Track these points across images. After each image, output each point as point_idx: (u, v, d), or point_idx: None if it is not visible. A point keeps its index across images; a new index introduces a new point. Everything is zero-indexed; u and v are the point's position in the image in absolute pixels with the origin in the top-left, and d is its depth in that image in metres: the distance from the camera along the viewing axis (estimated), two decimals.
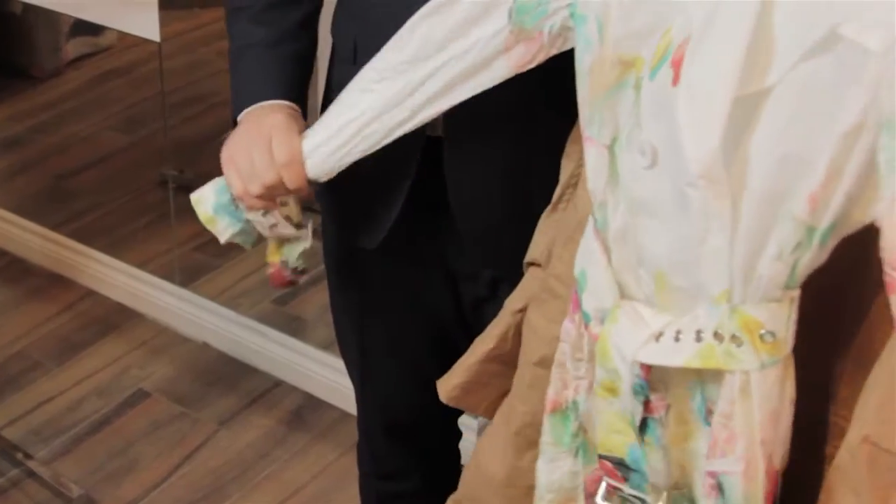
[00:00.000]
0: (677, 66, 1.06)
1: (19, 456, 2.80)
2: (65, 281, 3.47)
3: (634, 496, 1.25)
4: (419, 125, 1.41)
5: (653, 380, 1.18)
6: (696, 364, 1.12)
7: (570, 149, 1.42)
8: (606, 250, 1.22)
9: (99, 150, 3.93)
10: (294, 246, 1.59)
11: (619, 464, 1.23)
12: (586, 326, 1.25)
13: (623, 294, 1.21)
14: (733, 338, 1.10)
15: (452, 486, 1.51)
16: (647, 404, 1.20)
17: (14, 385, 3.05)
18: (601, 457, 1.25)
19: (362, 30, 1.55)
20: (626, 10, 1.15)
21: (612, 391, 1.20)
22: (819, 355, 1.14)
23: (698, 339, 1.12)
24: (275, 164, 1.45)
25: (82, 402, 3.00)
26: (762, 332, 1.09)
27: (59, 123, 4.07)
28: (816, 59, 0.98)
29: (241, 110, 1.56)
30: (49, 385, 3.06)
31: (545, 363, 1.36)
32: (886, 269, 1.01)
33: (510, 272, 1.55)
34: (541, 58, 1.34)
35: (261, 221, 1.54)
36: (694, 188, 1.06)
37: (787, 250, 1.06)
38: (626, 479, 1.25)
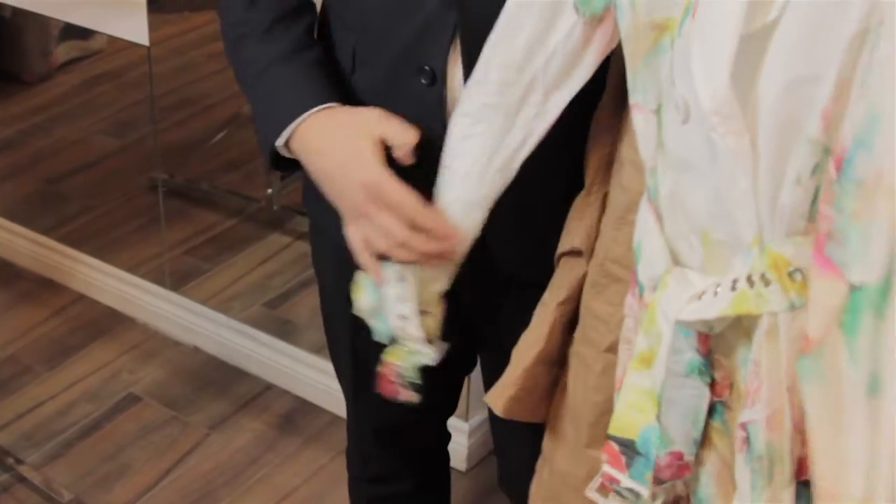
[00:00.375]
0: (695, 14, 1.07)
1: (10, 461, 2.79)
2: (55, 285, 3.46)
3: (630, 489, 1.24)
4: (537, 142, 1.37)
5: (716, 355, 1.17)
6: (728, 312, 1.11)
7: (595, 130, 1.42)
8: (659, 218, 1.21)
9: (89, 154, 3.93)
10: (416, 356, 1.50)
11: (627, 446, 1.22)
12: (640, 297, 1.25)
13: (676, 261, 1.20)
14: (762, 278, 1.09)
15: (443, 488, 1.51)
16: (713, 387, 1.19)
17: (4, 389, 3.04)
18: (609, 437, 1.24)
19: (360, 40, 1.50)
20: None
21: (647, 362, 1.19)
22: None
23: (733, 287, 1.11)
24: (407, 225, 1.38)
25: (73, 407, 2.99)
26: (790, 269, 1.07)
27: (49, 127, 4.07)
28: None
29: (280, 132, 1.46)
30: (39, 389, 3.05)
31: (616, 348, 1.35)
32: (830, 159, 1.03)
33: (525, 269, 1.56)
34: (617, 38, 1.29)
35: (393, 306, 1.46)
36: (714, 132, 1.06)
37: (806, 174, 1.05)
38: (627, 467, 1.23)
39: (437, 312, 1.48)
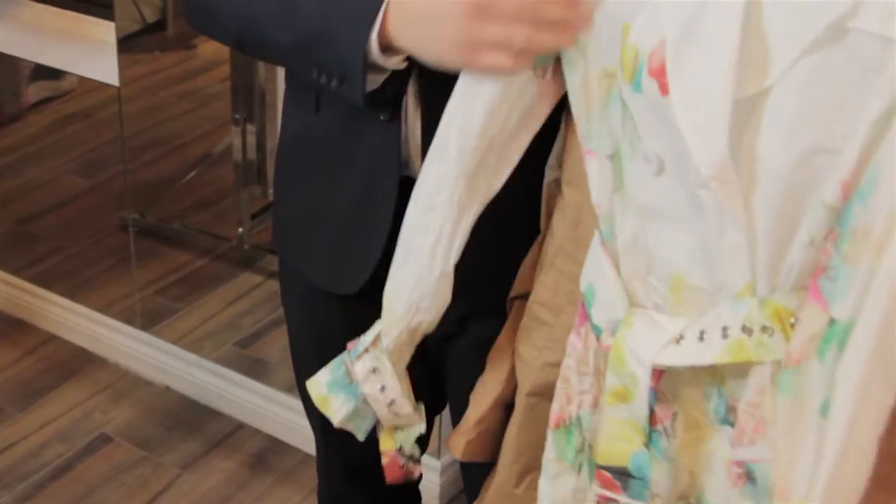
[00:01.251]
0: (660, 75, 1.08)
1: None
2: (26, 325, 3.46)
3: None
4: (492, 196, 1.36)
5: (662, 389, 1.19)
6: (726, 359, 1.13)
7: (549, 176, 1.44)
8: (615, 261, 1.23)
9: (60, 194, 3.92)
10: (409, 431, 1.52)
11: (621, 473, 1.24)
12: (597, 339, 1.26)
13: (632, 303, 1.22)
14: (764, 329, 1.11)
15: None
16: (651, 416, 1.21)
17: None
18: (600, 468, 1.26)
19: None
20: (595, 24, 1.17)
21: (623, 397, 1.21)
22: None
23: (725, 335, 1.13)
24: None
25: (44, 448, 2.99)
26: (793, 320, 1.10)
27: (19, 168, 4.06)
28: (821, 53, 1.00)
29: (371, 21, 1.29)
30: (10, 431, 3.05)
31: (537, 391, 1.38)
32: None
33: (481, 308, 1.56)
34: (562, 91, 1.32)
35: (377, 398, 1.45)
36: (706, 189, 1.08)
37: (820, 237, 1.07)
38: (624, 489, 1.25)
39: (407, 380, 1.48)
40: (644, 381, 1.18)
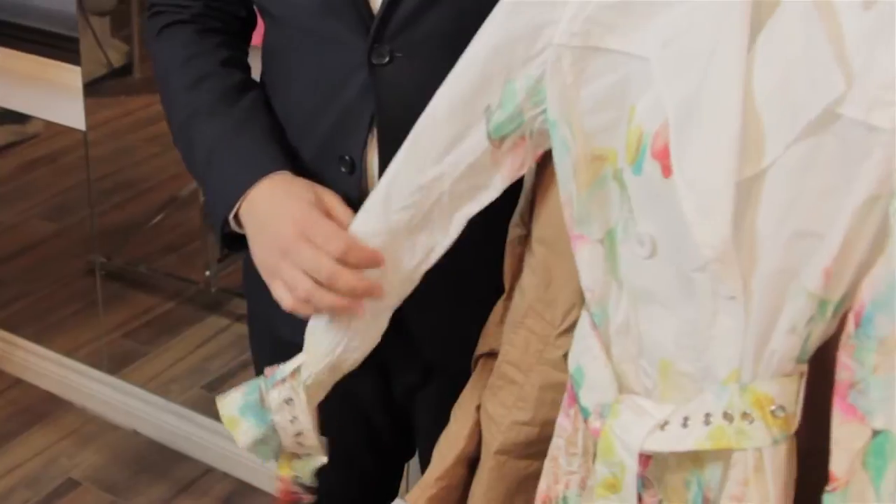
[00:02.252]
0: (663, 157, 1.08)
1: None
2: None
3: None
4: (440, 255, 1.37)
5: (648, 475, 1.19)
6: (707, 446, 1.13)
7: (512, 234, 1.43)
8: (606, 345, 1.23)
9: (26, 238, 3.92)
10: (309, 462, 1.50)
11: None
12: (585, 421, 1.25)
13: (622, 387, 1.22)
14: (744, 415, 1.11)
15: None
16: (638, 502, 1.20)
17: None
18: None
19: (285, 132, 1.53)
20: (589, 106, 1.18)
21: (613, 487, 1.21)
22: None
23: (707, 422, 1.12)
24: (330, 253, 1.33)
25: (11, 493, 2.97)
26: (773, 407, 1.10)
27: None
28: (814, 138, 1.01)
29: (231, 202, 1.43)
30: None
31: (505, 450, 1.38)
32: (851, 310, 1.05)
33: (446, 359, 1.56)
34: (530, 160, 1.32)
35: (286, 428, 1.44)
36: (702, 272, 1.08)
37: (801, 324, 1.07)
38: None
39: (317, 413, 1.47)
40: (632, 469, 1.18)
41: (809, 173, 1.02)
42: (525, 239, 1.41)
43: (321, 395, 1.44)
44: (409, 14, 1.38)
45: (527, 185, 1.39)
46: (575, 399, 1.27)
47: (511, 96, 1.26)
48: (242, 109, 1.51)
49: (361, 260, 1.33)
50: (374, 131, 1.44)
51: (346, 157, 1.46)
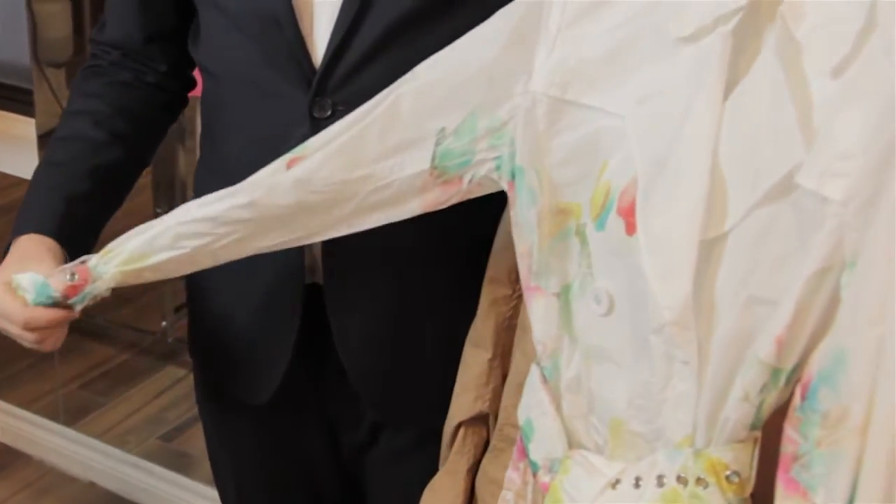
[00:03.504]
0: (628, 214, 1.09)
1: None
2: None
3: None
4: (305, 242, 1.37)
5: None
6: None
7: (495, 293, 1.42)
8: (556, 399, 1.23)
9: None
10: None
11: None
12: (534, 475, 1.25)
13: (572, 442, 1.21)
14: (699, 480, 1.10)
15: None
16: None
17: None
18: None
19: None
20: (559, 158, 1.18)
21: None
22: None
23: (660, 483, 1.12)
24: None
25: None
26: (728, 473, 1.09)
27: None
28: (773, 205, 1.02)
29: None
30: None
31: None
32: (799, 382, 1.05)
33: (395, 417, 1.56)
34: (454, 201, 1.32)
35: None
36: (658, 335, 1.08)
37: (754, 392, 1.07)
38: None
39: None
40: None
41: (768, 240, 1.03)
42: (512, 298, 1.40)
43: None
44: (351, 67, 1.39)
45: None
46: (524, 453, 1.27)
47: (470, 129, 1.26)
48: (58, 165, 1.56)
49: (42, 325, 1.36)
50: None
51: None
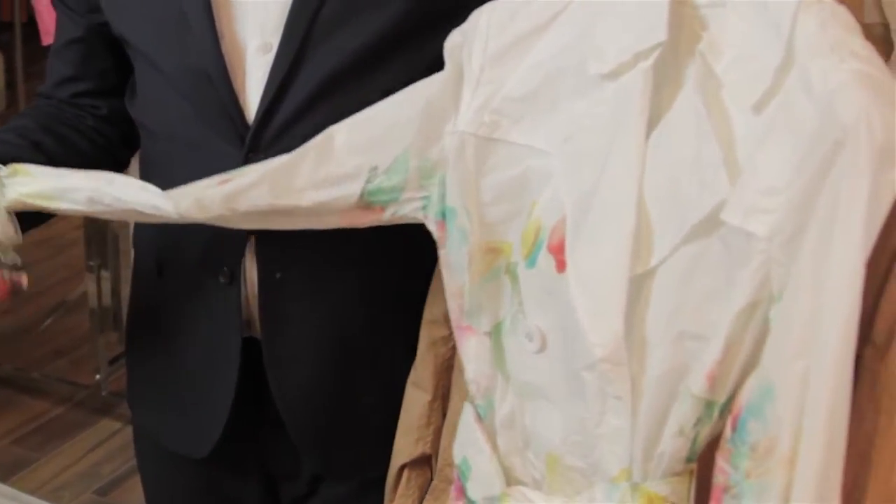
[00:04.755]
0: (558, 252, 1.11)
1: None
2: None
3: None
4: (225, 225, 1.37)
5: None
6: None
7: (434, 334, 1.42)
8: (491, 437, 1.23)
9: None
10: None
11: None
12: None
13: (509, 478, 1.22)
14: None
15: None
16: None
17: None
18: None
19: (163, 245, 1.53)
20: (489, 197, 1.19)
21: None
22: None
23: None
24: None
25: None
26: None
27: None
28: (701, 241, 1.04)
29: None
30: None
31: None
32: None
33: (336, 469, 1.55)
34: (372, 224, 1.32)
35: None
36: (591, 371, 1.09)
37: (689, 426, 1.08)
38: None
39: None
40: None
41: (696, 276, 1.05)
42: (450, 339, 1.39)
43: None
44: (284, 123, 1.40)
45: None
46: (462, 491, 1.28)
47: (402, 168, 1.27)
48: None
49: None
50: (252, 241, 1.44)
51: (225, 269, 1.46)
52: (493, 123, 1.20)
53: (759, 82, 1.04)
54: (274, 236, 1.39)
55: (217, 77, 1.41)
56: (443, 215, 1.26)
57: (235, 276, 1.47)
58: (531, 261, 1.15)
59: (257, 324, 1.49)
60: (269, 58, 1.39)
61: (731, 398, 1.08)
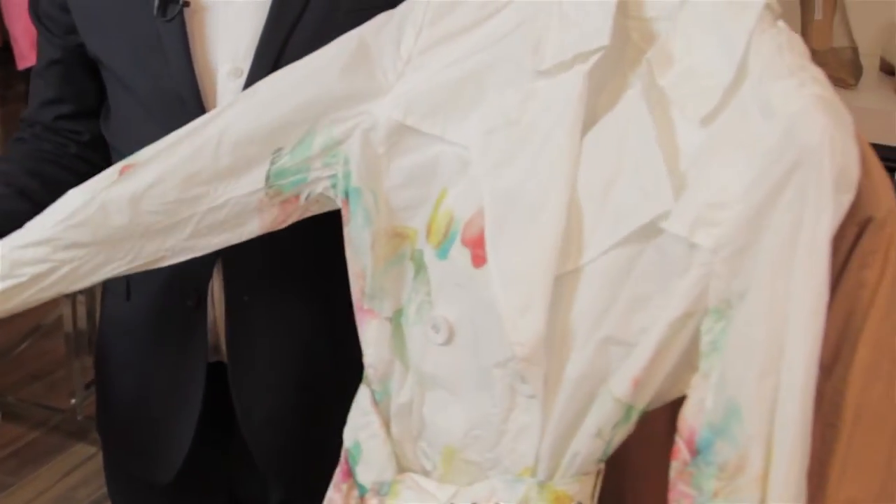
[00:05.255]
0: (475, 245, 1.10)
1: None
2: None
3: None
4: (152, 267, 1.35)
5: None
6: None
7: None
8: (386, 423, 1.23)
9: None
10: None
11: None
12: (362, 498, 1.25)
13: (400, 466, 1.22)
14: None
15: None
16: None
17: None
18: None
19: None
20: (398, 181, 1.19)
21: None
22: None
23: None
24: None
25: None
26: None
27: None
28: (634, 246, 1.04)
29: None
30: None
31: None
32: (676, 437, 1.07)
33: (303, 494, 1.53)
34: (294, 219, 1.30)
35: None
36: (503, 368, 1.09)
37: (608, 428, 1.09)
38: None
39: None
40: None
41: (626, 281, 1.05)
42: None
43: None
44: None
45: None
46: (350, 474, 1.27)
47: (306, 147, 1.25)
48: None
49: None
50: (220, 264, 1.46)
51: (192, 292, 1.47)
52: (409, 110, 1.19)
53: (707, 97, 1.04)
54: (241, 259, 1.40)
55: (190, 100, 1.42)
56: (346, 194, 1.25)
57: (203, 300, 1.48)
58: (442, 251, 1.15)
59: (223, 349, 1.50)
60: (240, 82, 1.41)
61: (650, 404, 1.09)
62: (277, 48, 1.39)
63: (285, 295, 1.46)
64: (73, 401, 3.53)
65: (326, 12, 1.37)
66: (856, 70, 2.20)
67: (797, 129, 0.98)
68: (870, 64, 2.27)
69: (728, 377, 1.03)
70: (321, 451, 1.49)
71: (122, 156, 1.51)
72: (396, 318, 1.22)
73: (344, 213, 1.26)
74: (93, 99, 1.60)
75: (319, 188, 1.27)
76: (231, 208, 1.28)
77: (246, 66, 1.40)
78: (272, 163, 1.26)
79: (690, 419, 1.06)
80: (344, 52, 1.24)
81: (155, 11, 1.40)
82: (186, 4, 1.40)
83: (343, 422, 1.47)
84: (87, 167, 1.60)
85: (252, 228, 1.31)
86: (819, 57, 2.15)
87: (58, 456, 3.45)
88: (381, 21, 1.25)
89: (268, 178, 1.27)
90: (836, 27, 2.26)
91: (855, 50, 2.24)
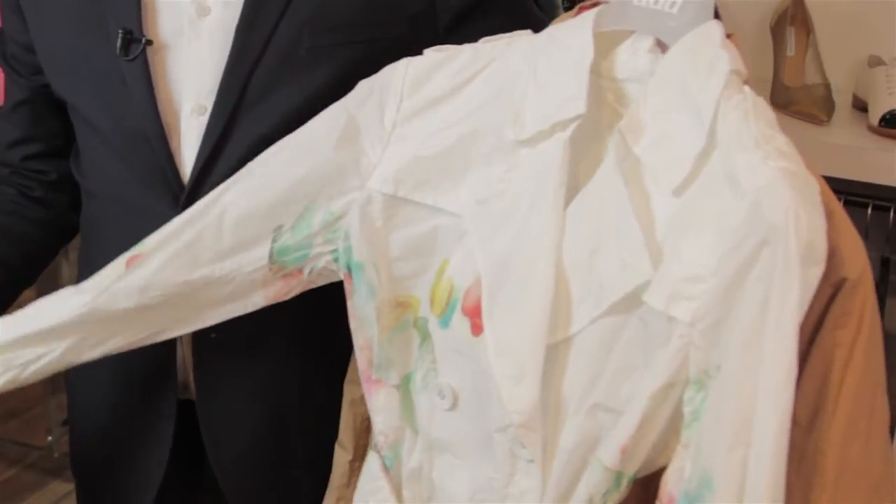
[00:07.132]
0: (473, 314, 1.11)
1: None
2: None
3: None
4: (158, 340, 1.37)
5: None
6: None
7: (352, 393, 1.42)
8: (397, 488, 1.24)
9: None
10: None
11: None
12: None
13: None
14: None
15: None
16: None
17: None
18: None
19: None
20: (398, 253, 1.20)
21: None
22: None
23: None
24: None
25: None
26: None
27: None
28: (619, 317, 1.05)
29: None
30: None
31: None
32: (657, 502, 1.07)
33: None
34: (297, 291, 1.32)
35: None
36: (503, 433, 1.10)
37: (598, 495, 1.09)
38: None
39: None
40: None
41: (613, 349, 1.06)
42: None
43: None
44: (220, 182, 1.38)
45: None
46: None
47: (306, 224, 1.27)
48: None
49: None
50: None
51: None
52: (399, 181, 1.21)
53: (679, 166, 1.05)
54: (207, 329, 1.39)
55: (154, 138, 1.42)
56: (349, 269, 1.26)
57: (171, 373, 1.48)
58: (444, 321, 1.16)
59: (192, 387, 1.50)
60: (204, 120, 1.41)
61: (640, 471, 1.09)
62: (240, 85, 1.39)
63: (254, 332, 1.45)
64: (49, 438, 3.51)
65: (288, 49, 1.38)
66: (828, 106, 2.21)
67: (763, 205, 0.98)
68: (842, 100, 2.28)
69: (702, 447, 1.03)
70: (291, 488, 1.51)
71: (88, 193, 1.55)
72: (404, 385, 1.23)
73: (347, 286, 1.28)
74: (62, 139, 1.60)
75: (322, 263, 1.29)
76: (237, 285, 1.31)
77: (209, 103, 1.41)
78: (274, 240, 1.28)
79: (670, 486, 1.06)
80: (335, 126, 1.25)
81: (118, 51, 1.41)
82: (149, 43, 1.41)
83: (313, 460, 1.50)
84: (50, 214, 1.63)
85: (256, 300, 1.33)
86: (791, 93, 2.17)
87: (35, 493, 3.43)
88: (363, 93, 1.26)
89: (271, 255, 1.29)
90: (809, 63, 2.27)
91: (827, 86, 2.24)
